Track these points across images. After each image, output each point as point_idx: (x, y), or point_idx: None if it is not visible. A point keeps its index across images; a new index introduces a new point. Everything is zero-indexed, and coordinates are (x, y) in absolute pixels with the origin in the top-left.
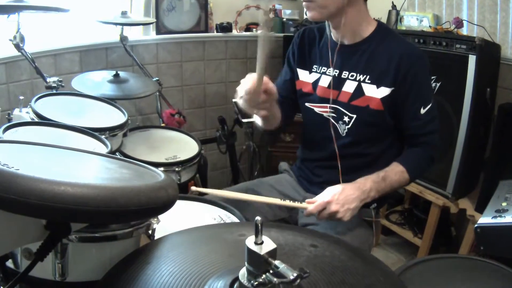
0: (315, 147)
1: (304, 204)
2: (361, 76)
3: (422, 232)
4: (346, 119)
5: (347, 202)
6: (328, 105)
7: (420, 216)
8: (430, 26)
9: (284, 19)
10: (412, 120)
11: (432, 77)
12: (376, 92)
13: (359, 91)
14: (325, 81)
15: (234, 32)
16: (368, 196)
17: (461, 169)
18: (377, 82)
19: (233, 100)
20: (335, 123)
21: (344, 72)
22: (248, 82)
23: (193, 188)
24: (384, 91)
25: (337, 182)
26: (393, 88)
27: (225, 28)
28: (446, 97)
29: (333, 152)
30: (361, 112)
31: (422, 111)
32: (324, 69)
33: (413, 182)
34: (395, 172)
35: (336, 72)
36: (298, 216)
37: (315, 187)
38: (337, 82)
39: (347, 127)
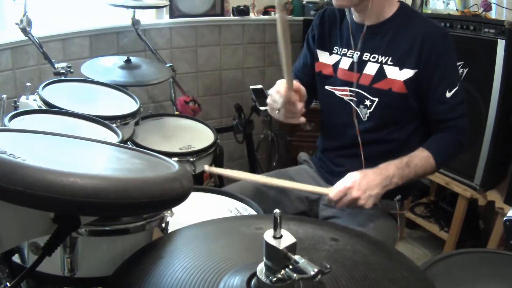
0: (335, 134)
1: (324, 189)
2: (383, 58)
3: (448, 226)
4: (367, 103)
5: (369, 188)
6: (349, 88)
7: (447, 209)
8: (457, 10)
9: (304, 2)
10: (438, 104)
11: (459, 63)
12: (399, 75)
13: (381, 74)
14: (345, 63)
15: (252, 15)
16: (390, 183)
17: (489, 159)
18: (400, 64)
19: (250, 87)
20: (356, 108)
21: (365, 54)
22: (279, 91)
23: (206, 167)
24: (408, 73)
25: None
26: (416, 70)
27: (242, 11)
28: (474, 83)
29: (354, 139)
30: (383, 95)
31: (448, 94)
32: (344, 51)
33: (439, 173)
34: (420, 157)
35: (357, 54)
36: (319, 209)
37: (336, 178)
38: (358, 65)
39: (368, 111)
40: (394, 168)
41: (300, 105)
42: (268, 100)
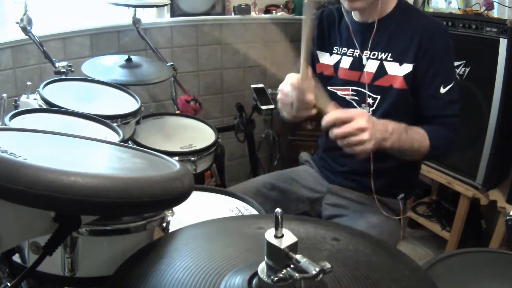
0: None
1: (331, 109)
2: (383, 54)
3: (450, 225)
4: (369, 101)
5: (374, 128)
6: (351, 87)
7: (449, 208)
8: (459, 8)
9: (306, 1)
10: (431, 99)
11: (461, 62)
12: (399, 70)
13: (381, 70)
14: (346, 63)
15: (253, 14)
16: (388, 138)
17: (491, 158)
18: (400, 59)
19: (252, 86)
20: (358, 106)
21: (365, 51)
22: (293, 84)
23: None
24: (407, 68)
25: (364, 171)
26: (414, 64)
27: (243, 10)
28: (476, 82)
29: None
30: (385, 92)
31: (442, 90)
32: (344, 50)
33: (441, 172)
34: (417, 131)
35: (357, 52)
36: (321, 208)
37: (339, 178)
38: (359, 63)
39: (371, 109)
40: (394, 126)
41: (312, 96)
42: (279, 96)
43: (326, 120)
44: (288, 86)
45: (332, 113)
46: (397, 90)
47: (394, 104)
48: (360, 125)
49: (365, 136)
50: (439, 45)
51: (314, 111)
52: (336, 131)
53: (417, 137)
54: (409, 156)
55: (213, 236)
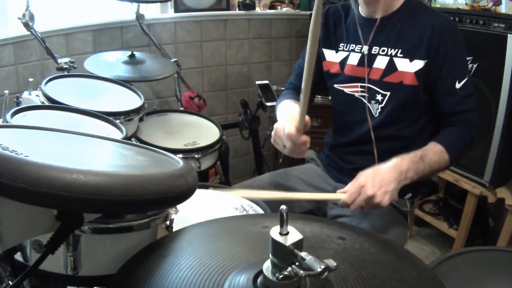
0: (346, 131)
1: (337, 195)
2: (393, 50)
3: (457, 223)
4: (379, 97)
5: (383, 185)
6: (359, 84)
7: (456, 206)
8: (466, 4)
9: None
10: (447, 95)
11: (469, 58)
12: (409, 66)
13: (391, 67)
14: (354, 59)
15: (258, 10)
16: (406, 178)
17: (499, 155)
18: (410, 55)
19: (256, 82)
20: (367, 103)
21: (374, 47)
22: (291, 135)
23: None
24: (418, 64)
25: None
26: (426, 61)
27: (248, 5)
28: (484, 78)
29: (365, 135)
30: (395, 89)
31: (457, 85)
32: (352, 46)
33: (448, 170)
34: (433, 151)
35: (365, 48)
36: (327, 207)
37: (345, 176)
38: (368, 59)
39: (380, 106)
40: (408, 162)
41: (307, 144)
42: (273, 137)
43: (340, 205)
44: (285, 136)
45: (341, 200)
46: (407, 87)
47: (404, 101)
48: (366, 195)
49: (376, 200)
50: (450, 41)
51: (306, 154)
52: (352, 208)
53: (434, 158)
54: (432, 176)
55: (218, 235)
